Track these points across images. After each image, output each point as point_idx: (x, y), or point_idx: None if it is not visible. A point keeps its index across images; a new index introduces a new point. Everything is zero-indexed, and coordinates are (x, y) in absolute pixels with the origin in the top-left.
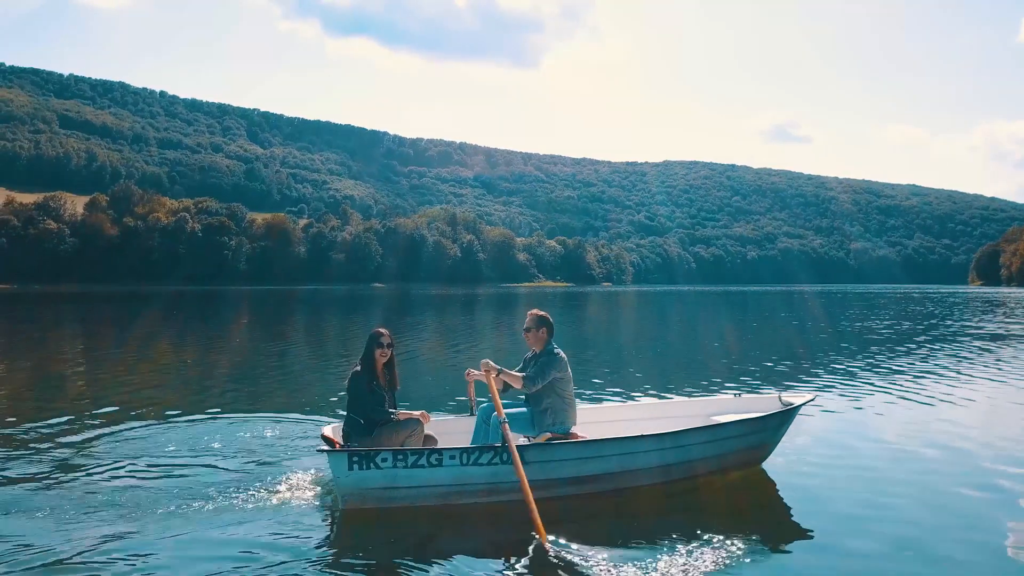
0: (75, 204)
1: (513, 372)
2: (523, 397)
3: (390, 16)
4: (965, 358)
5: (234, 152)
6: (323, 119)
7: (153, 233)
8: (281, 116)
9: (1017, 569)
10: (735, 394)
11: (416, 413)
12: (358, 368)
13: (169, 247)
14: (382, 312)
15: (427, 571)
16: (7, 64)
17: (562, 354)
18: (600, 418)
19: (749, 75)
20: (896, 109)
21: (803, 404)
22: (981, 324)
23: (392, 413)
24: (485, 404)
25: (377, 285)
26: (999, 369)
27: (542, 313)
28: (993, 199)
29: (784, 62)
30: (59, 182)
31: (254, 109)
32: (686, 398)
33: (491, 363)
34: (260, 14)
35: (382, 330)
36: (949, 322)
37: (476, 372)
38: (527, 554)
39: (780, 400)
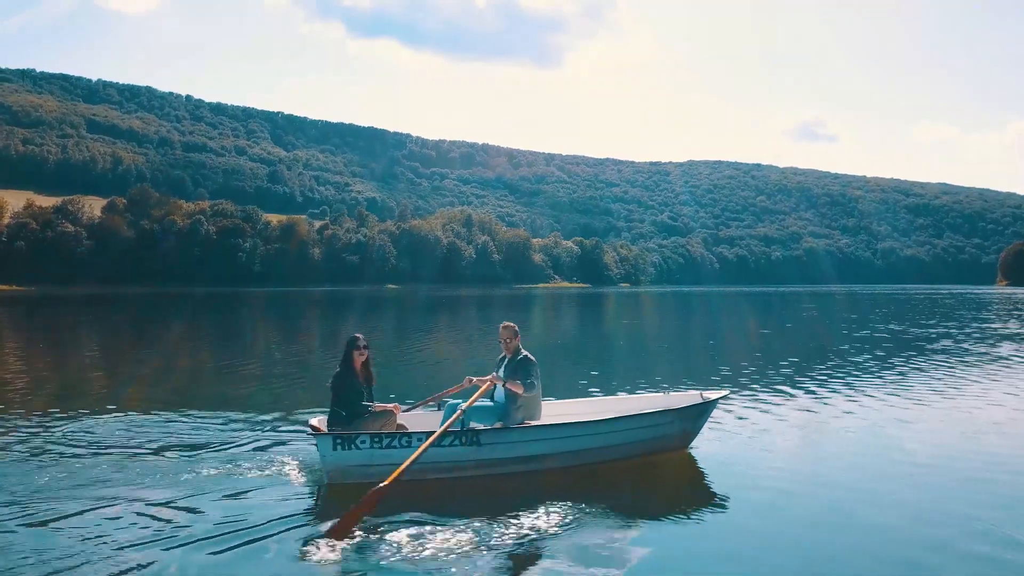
0: (94, 207)
1: (512, 382)
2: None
3: (412, 16)
4: (884, 365)
5: (258, 155)
6: (346, 121)
7: (169, 236)
8: (305, 119)
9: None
10: (664, 391)
11: (389, 406)
12: (339, 368)
13: (185, 249)
14: (373, 315)
15: (398, 535)
16: (38, 70)
17: (533, 358)
18: (546, 412)
19: (774, 73)
20: (926, 106)
21: (719, 398)
22: (927, 329)
23: (369, 406)
24: (452, 401)
25: (391, 287)
26: (924, 375)
27: (513, 324)
28: None
29: (810, 59)
30: (85, 186)
31: (278, 112)
32: (623, 395)
33: (499, 376)
34: (283, 17)
35: (358, 335)
36: (899, 326)
37: (477, 379)
38: (485, 522)
39: (701, 396)
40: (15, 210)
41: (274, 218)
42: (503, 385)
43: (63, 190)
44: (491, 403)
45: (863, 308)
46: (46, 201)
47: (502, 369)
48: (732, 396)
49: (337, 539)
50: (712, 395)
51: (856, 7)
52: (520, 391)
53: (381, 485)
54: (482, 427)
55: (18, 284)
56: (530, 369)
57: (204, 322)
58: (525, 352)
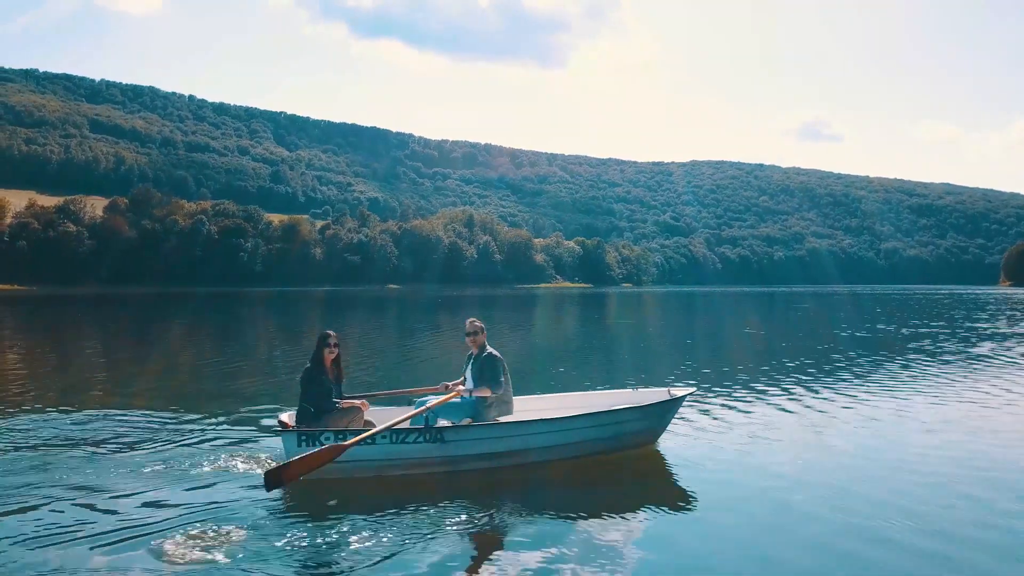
0: (96, 207)
1: (480, 389)
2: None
3: (415, 17)
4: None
5: (260, 155)
6: (349, 121)
7: (171, 236)
8: (307, 119)
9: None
10: (632, 387)
11: (357, 401)
12: (309, 365)
13: (186, 249)
14: (372, 315)
15: (360, 531)
16: (41, 70)
17: (498, 355)
18: (517, 408)
19: (778, 73)
20: (929, 106)
21: (686, 395)
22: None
23: (336, 402)
24: (422, 398)
25: (392, 287)
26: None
27: (476, 320)
28: None
29: (812, 59)
30: (88, 186)
31: (281, 112)
32: (592, 391)
33: (461, 387)
34: (286, 18)
35: (330, 332)
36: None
37: (452, 384)
38: (446, 518)
39: (669, 392)
40: (17, 210)
41: (276, 218)
42: (471, 395)
43: (65, 190)
44: (460, 399)
45: (859, 308)
46: (48, 201)
47: (468, 368)
48: (701, 393)
49: (289, 478)
50: (679, 392)
51: (857, 7)
52: (488, 394)
53: (342, 444)
54: (448, 423)
55: (20, 284)
56: (496, 367)
57: (202, 322)
58: (491, 349)
